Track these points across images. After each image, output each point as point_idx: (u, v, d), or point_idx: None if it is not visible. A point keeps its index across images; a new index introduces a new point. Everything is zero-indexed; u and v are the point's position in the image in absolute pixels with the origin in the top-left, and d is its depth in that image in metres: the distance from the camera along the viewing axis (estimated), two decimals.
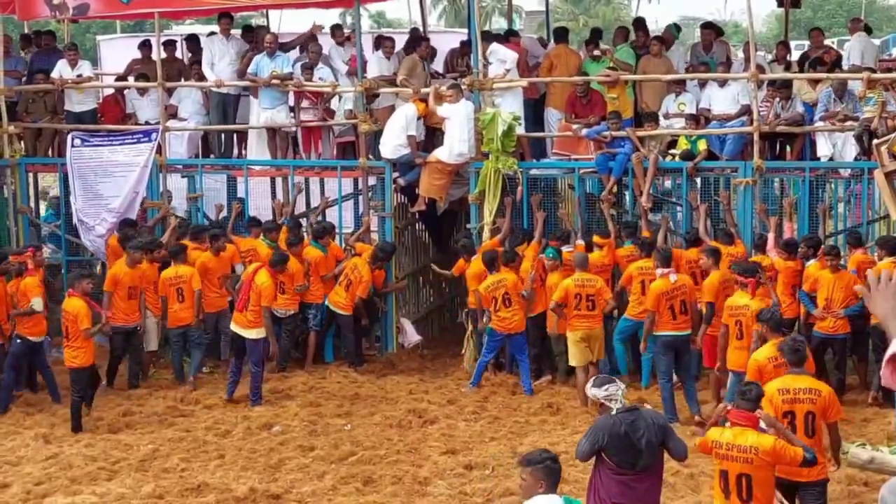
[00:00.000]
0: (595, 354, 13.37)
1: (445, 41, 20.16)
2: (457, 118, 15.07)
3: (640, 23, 17.80)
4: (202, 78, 16.67)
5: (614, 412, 7.86)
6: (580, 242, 14.65)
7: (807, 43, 18.47)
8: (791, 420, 8.70)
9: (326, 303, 15.07)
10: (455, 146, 15.13)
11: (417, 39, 17.07)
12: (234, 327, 13.62)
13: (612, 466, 7.74)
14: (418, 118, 15.48)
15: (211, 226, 15.84)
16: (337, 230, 15.98)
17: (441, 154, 15.29)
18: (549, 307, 13.81)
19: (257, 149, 16.71)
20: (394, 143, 15.38)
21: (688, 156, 15.01)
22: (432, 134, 16.00)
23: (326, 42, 17.57)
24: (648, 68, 15.97)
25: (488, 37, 16.44)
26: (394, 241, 15.72)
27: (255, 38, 17.04)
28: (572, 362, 13.44)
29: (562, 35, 17.14)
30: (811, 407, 8.76)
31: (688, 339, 12.88)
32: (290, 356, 15.17)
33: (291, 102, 16.30)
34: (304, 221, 16.56)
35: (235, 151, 17.49)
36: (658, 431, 7.82)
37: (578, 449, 7.97)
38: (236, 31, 17.45)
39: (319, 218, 16.21)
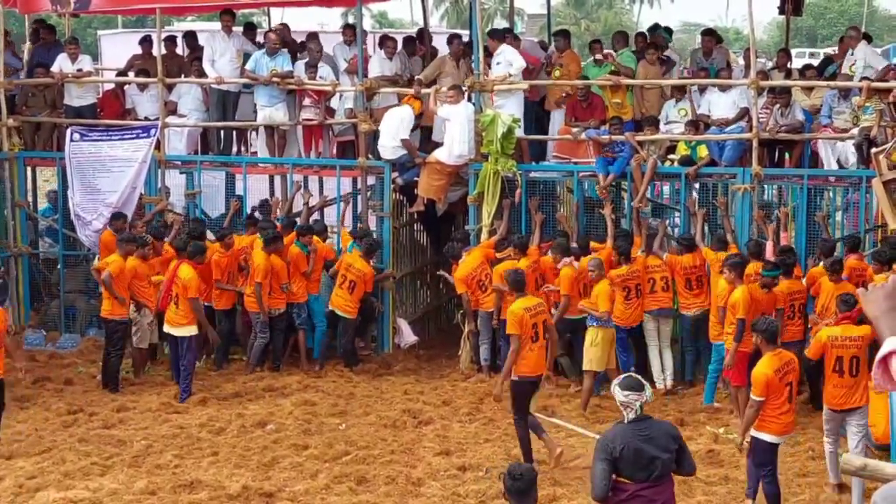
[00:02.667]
0: (610, 361, 13.27)
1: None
2: (457, 119, 15.07)
3: (653, 29, 17.82)
4: (202, 74, 16.66)
5: (625, 421, 7.66)
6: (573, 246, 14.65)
7: (808, 50, 18.49)
8: None
9: (330, 307, 14.99)
10: (455, 147, 15.12)
11: (453, 39, 16.71)
12: (165, 327, 13.81)
13: (624, 481, 7.48)
14: (416, 116, 15.45)
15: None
16: (334, 230, 15.99)
17: (440, 155, 15.29)
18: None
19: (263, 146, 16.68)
20: (391, 144, 15.38)
21: (687, 161, 15.01)
22: (428, 134, 16.00)
23: (331, 40, 17.60)
24: (650, 73, 15.98)
25: (498, 35, 16.32)
26: (392, 241, 15.74)
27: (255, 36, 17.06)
28: (591, 366, 13.22)
29: (568, 38, 17.09)
30: (793, 375, 10.21)
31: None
32: (284, 355, 15.14)
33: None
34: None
35: (235, 148, 17.48)
36: (672, 441, 7.64)
37: (595, 479, 7.49)
38: (238, 29, 17.43)
39: (316, 217, 16.20)
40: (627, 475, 7.47)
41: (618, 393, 7.72)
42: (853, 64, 15.46)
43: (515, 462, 7.71)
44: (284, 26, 18.04)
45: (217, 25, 17.62)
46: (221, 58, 16.53)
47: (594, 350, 13.17)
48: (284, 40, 17.03)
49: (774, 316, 12.28)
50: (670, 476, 7.73)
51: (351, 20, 24.67)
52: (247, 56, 16.48)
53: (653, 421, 7.76)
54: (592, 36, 18.48)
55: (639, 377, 8.01)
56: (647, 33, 17.55)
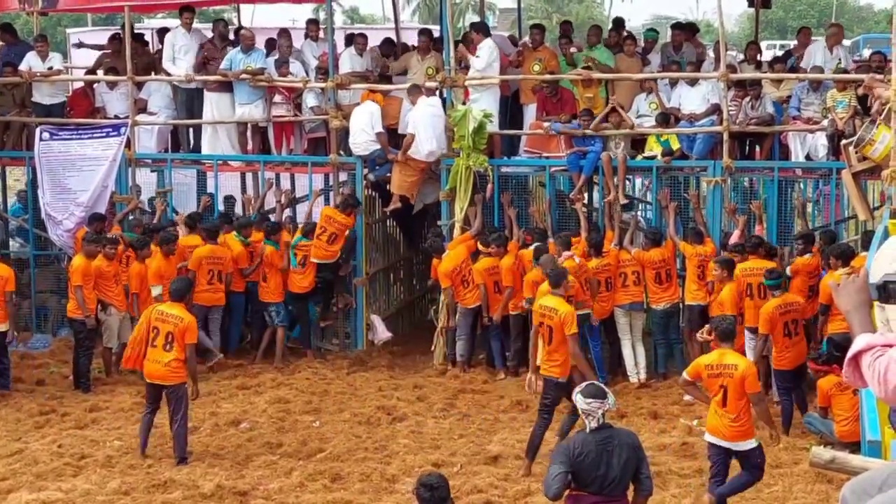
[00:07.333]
0: None
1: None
2: (421, 118, 14.99)
3: (617, 23, 17.80)
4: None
5: (587, 430, 7.48)
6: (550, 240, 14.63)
7: (778, 42, 18.52)
8: (725, 392, 9.51)
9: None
10: (423, 145, 15.06)
11: (426, 35, 16.69)
12: None
13: (580, 492, 7.34)
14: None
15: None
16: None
17: (412, 151, 15.24)
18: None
19: (210, 143, 16.45)
20: (364, 140, 15.32)
21: (662, 154, 14.97)
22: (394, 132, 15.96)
23: (299, 37, 17.50)
24: (622, 67, 15.97)
25: (483, 29, 16.22)
26: (365, 237, 15.74)
27: (228, 34, 16.95)
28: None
29: (543, 32, 17.01)
30: (729, 381, 9.54)
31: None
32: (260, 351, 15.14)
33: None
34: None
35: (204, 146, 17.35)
36: (632, 454, 7.45)
37: (548, 480, 7.30)
38: (200, 26, 17.29)
39: (289, 213, 16.14)
40: (583, 485, 7.35)
41: (580, 401, 7.55)
42: (839, 62, 15.55)
43: (427, 473, 7.43)
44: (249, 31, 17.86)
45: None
46: (185, 56, 16.42)
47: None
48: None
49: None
50: (626, 492, 7.60)
51: (322, 16, 24.51)
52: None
53: (615, 430, 7.61)
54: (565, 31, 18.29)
55: (601, 385, 7.91)
56: (601, 26, 17.48)
